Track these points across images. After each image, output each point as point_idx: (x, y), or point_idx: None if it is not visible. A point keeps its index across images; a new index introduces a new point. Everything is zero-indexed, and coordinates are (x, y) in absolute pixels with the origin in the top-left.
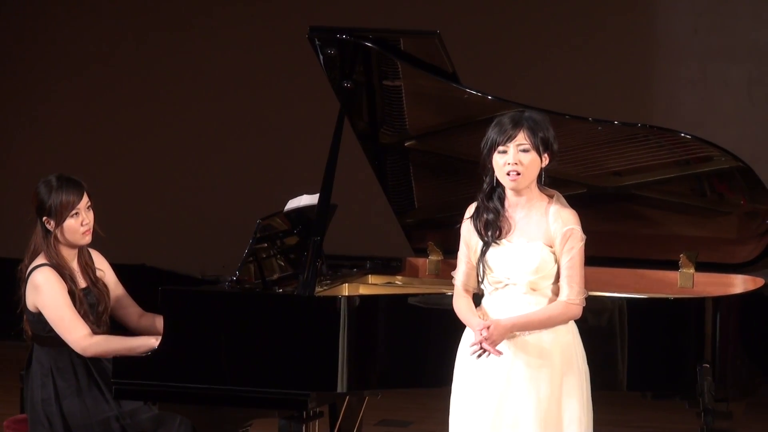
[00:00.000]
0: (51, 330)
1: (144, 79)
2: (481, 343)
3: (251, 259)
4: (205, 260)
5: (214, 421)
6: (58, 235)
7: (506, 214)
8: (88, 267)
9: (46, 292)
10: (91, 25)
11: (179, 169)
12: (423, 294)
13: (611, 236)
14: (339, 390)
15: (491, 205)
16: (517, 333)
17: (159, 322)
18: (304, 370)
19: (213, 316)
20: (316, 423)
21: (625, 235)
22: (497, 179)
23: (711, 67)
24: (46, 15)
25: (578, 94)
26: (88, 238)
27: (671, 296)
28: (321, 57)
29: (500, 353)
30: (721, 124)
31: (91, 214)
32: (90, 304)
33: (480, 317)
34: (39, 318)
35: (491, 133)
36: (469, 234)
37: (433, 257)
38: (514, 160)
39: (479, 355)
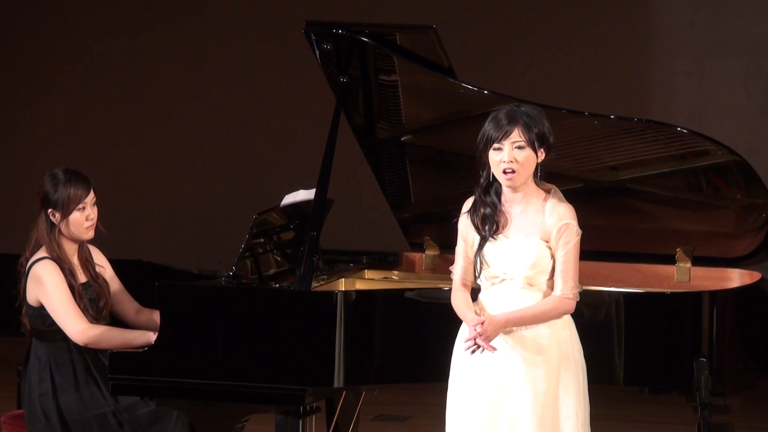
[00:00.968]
0: (51, 324)
1: (140, 74)
2: (475, 339)
3: (248, 254)
4: (202, 255)
5: (211, 416)
6: (62, 228)
7: (503, 208)
8: (88, 262)
9: (48, 284)
10: (90, 18)
11: (176, 164)
12: (419, 289)
13: (608, 230)
14: (336, 385)
15: (488, 199)
16: (514, 328)
17: (157, 317)
18: (301, 365)
19: (210, 311)
20: (313, 418)
21: (622, 229)
22: (493, 174)
23: (707, 61)
24: (45, 9)
25: (574, 88)
26: (91, 233)
27: (668, 290)
28: (317, 52)
29: (494, 349)
30: (718, 118)
31: (95, 210)
32: (90, 298)
33: (477, 312)
34: (39, 312)
35: (487, 129)
36: (466, 229)
37: (430, 252)
38: (510, 158)
39: (473, 351)
